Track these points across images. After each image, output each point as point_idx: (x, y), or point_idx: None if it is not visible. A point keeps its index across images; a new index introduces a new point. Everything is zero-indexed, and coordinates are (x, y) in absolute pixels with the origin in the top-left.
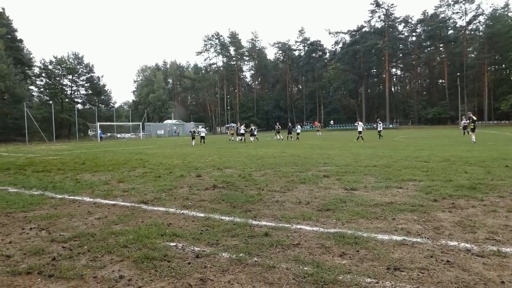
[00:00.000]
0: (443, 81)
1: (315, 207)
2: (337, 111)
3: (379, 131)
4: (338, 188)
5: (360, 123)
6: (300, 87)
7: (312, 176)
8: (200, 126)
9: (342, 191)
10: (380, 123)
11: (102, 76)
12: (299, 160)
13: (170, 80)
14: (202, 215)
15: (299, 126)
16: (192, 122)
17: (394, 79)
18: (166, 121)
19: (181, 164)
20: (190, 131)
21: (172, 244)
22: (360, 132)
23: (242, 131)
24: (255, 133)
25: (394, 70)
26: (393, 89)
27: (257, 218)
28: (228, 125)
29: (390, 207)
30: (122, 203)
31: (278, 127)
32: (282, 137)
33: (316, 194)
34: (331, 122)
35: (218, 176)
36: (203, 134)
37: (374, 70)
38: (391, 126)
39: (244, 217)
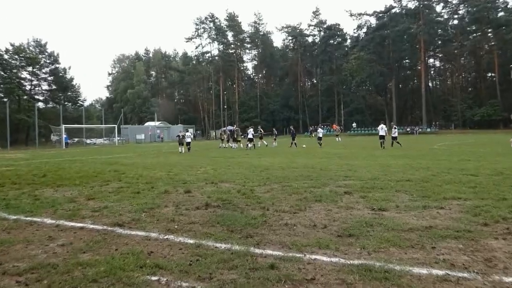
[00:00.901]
0: (492, 74)
1: (334, 232)
2: (360, 111)
3: (394, 137)
4: (363, 208)
5: (383, 126)
6: (315, 82)
7: (330, 193)
8: (190, 130)
9: (368, 212)
10: (395, 128)
11: (69, 68)
12: (314, 172)
13: (153, 73)
14: (191, 241)
15: (320, 130)
16: (180, 125)
17: (432, 72)
18: (147, 124)
19: (166, 177)
20: (178, 135)
21: (154, 278)
22: (382, 137)
23: (250, 136)
24: (251, 136)
25: (431, 60)
26: (430, 84)
27: (260, 245)
28: (223, 129)
29: (428, 232)
30: (91, 226)
31: (275, 132)
32: (266, 143)
33: (335, 216)
34: (354, 124)
35: (212, 192)
36: (188, 140)
37: (407, 60)
38: (428, 130)
39: (244, 244)
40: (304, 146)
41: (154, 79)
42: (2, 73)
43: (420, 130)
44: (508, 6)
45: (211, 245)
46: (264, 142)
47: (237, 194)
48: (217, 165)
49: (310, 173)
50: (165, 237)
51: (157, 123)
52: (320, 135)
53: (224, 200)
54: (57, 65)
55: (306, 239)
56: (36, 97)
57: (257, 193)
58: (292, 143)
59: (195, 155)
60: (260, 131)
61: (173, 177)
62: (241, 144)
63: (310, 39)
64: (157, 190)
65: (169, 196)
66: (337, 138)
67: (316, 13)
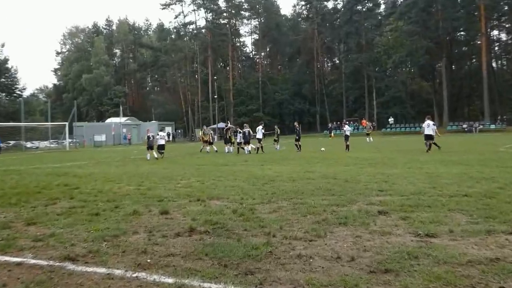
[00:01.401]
0: None
1: (365, 266)
2: (399, 102)
3: (428, 136)
4: (404, 234)
5: (429, 122)
6: (337, 62)
7: (358, 213)
8: (167, 129)
9: (410, 238)
10: (432, 123)
11: (2, 46)
12: (337, 185)
13: (118, 51)
14: (170, 280)
15: (347, 127)
16: (154, 122)
17: (496, 49)
18: (110, 120)
19: (136, 192)
20: (148, 136)
21: None
22: (429, 138)
23: (260, 135)
24: (249, 138)
25: (495, 33)
26: (494, 64)
27: (264, 285)
28: (205, 127)
29: (495, 266)
30: (33, 261)
31: (277, 131)
32: (257, 148)
33: (367, 244)
34: (390, 120)
35: (198, 212)
36: (161, 142)
37: (462, 33)
38: (492, 126)
39: (243, 284)
40: (322, 149)
41: (119, 60)
42: None
43: (481, 126)
44: None
45: (196, 285)
46: (251, 146)
47: (232, 215)
48: (205, 175)
49: (332, 186)
50: (134, 275)
51: (123, 120)
52: (348, 133)
53: (214, 224)
54: None
55: (327, 276)
56: None
57: (259, 214)
58: (296, 146)
59: (175, 162)
60: (247, 131)
61: (145, 192)
62: (231, 148)
63: (330, 4)
64: (123, 211)
65: (140, 218)
66: (367, 138)
67: None
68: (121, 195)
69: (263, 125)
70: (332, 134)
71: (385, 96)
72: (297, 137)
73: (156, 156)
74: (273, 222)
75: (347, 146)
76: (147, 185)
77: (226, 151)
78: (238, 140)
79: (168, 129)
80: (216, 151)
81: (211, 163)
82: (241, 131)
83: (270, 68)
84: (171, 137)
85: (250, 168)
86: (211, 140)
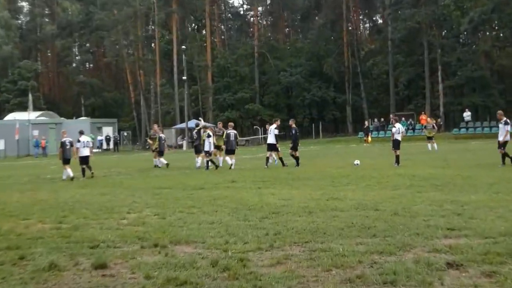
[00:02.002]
0: None
1: None
2: (481, 86)
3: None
4: None
5: (505, 120)
6: (379, 22)
7: (415, 266)
8: (105, 131)
9: None
10: (503, 123)
11: None
12: (379, 219)
13: (25, 4)
14: None
15: (399, 126)
16: (85, 119)
17: None
18: (12, 117)
19: (54, 233)
20: (63, 143)
21: None
22: (502, 144)
23: (272, 140)
24: (273, 141)
25: None
26: None
27: None
28: (153, 129)
29: None
30: None
31: (275, 128)
32: (231, 163)
33: None
34: (466, 115)
35: (156, 265)
36: (85, 152)
37: None
38: None
39: None
40: (357, 162)
41: (28, 19)
42: None
43: None
44: None
45: None
46: (229, 160)
47: (211, 271)
48: (167, 205)
49: (372, 221)
50: None
51: (34, 116)
52: (398, 137)
53: (181, 285)
54: None
55: None
56: None
57: (254, 268)
58: (293, 157)
59: (119, 184)
60: (233, 133)
61: (68, 234)
62: (201, 158)
63: None
64: (33, 265)
65: (61, 277)
66: (429, 145)
67: None
68: (30, 238)
69: (278, 124)
70: (370, 137)
71: (458, 77)
72: (292, 145)
73: (71, 174)
74: (277, 282)
75: (397, 158)
76: (73, 221)
77: (198, 165)
78: (206, 148)
79: (108, 130)
80: (159, 166)
81: (177, 186)
82: (220, 133)
83: (272, 32)
84: (111, 143)
85: (241, 193)
86: (160, 148)
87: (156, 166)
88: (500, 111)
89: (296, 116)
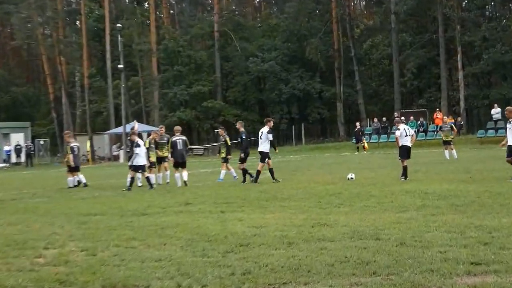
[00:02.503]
0: None
1: None
2: None
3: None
4: None
5: None
6: None
7: None
8: (14, 139)
9: None
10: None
11: None
12: (381, 251)
13: None
14: None
15: (404, 127)
16: None
17: None
18: None
19: None
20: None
21: None
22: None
23: (265, 147)
24: (264, 149)
25: None
26: None
27: None
28: (66, 138)
29: None
30: None
31: (267, 132)
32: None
33: None
34: (495, 111)
35: None
36: None
37: None
38: None
39: None
40: (351, 176)
41: None
42: None
43: None
44: None
45: None
46: (181, 176)
47: None
48: (98, 237)
49: (372, 254)
50: None
51: None
52: (407, 142)
53: None
54: None
55: None
56: None
57: None
58: (243, 171)
59: (34, 209)
60: (181, 140)
61: None
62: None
63: None
64: None
65: None
66: (446, 151)
67: None
68: None
69: (271, 125)
70: (366, 143)
71: (483, 61)
72: (242, 154)
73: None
74: None
75: (404, 170)
76: None
77: (140, 184)
78: (141, 162)
79: (18, 138)
80: (73, 187)
81: (111, 211)
82: (165, 140)
83: (238, 4)
84: (23, 155)
85: (197, 220)
86: (73, 164)
87: (70, 187)
88: (509, 107)
89: (271, 115)
